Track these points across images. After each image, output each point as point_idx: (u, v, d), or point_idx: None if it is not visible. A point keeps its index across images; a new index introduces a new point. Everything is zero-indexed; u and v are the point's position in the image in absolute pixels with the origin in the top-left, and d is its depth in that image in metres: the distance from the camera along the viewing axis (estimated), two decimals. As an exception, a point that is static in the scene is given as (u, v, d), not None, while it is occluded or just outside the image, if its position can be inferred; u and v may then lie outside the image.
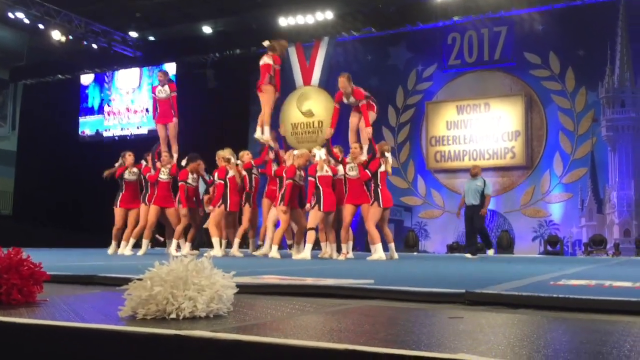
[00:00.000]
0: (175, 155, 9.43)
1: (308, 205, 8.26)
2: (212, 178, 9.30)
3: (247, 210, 8.98)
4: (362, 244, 11.70)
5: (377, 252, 7.72)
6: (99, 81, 18.81)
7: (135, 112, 18.08)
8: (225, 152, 9.05)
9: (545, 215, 13.53)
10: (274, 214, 8.64)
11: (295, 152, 8.76)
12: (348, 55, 15.78)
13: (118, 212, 9.07)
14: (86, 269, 4.51)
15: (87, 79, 18.94)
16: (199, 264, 1.82)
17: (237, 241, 8.89)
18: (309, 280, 3.04)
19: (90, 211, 15.57)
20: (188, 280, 1.77)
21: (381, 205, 7.87)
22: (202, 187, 9.70)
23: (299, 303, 2.26)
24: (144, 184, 9.18)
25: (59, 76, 19.08)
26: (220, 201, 8.79)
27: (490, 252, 10.14)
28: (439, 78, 14.93)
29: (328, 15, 15.19)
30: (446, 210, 14.17)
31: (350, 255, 8.18)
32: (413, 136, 15.10)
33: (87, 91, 18.90)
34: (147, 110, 17.35)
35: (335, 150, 8.28)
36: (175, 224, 9.01)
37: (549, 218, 13.48)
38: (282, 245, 8.98)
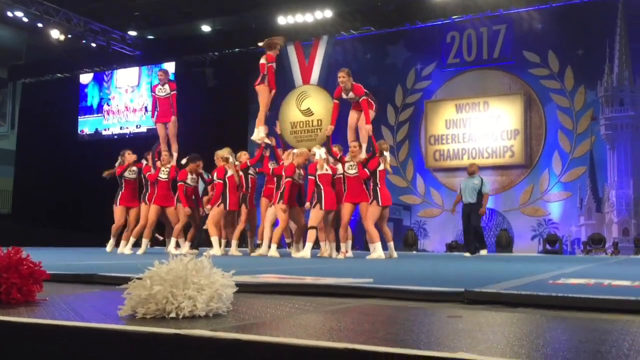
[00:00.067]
0: (175, 154, 9.44)
1: (308, 203, 8.26)
2: (210, 177, 9.30)
3: (243, 211, 9.00)
4: (361, 243, 11.71)
5: (376, 251, 7.71)
6: (98, 80, 18.80)
7: (135, 111, 18.07)
8: (224, 152, 9.05)
9: (544, 214, 13.54)
10: (272, 213, 8.63)
11: (295, 150, 8.76)
12: (347, 54, 15.78)
13: (118, 210, 9.08)
14: (86, 268, 4.51)
15: (86, 77, 18.94)
16: (199, 263, 1.82)
17: (235, 242, 8.90)
18: (309, 279, 3.04)
19: (89, 210, 15.58)
20: (188, 279, 1.77)
21: (380, 204, 7.87)
22: (201, 187, 9.71)
23: (299, 302, 2.26)
24: (143, 182, 9.19)
25: (58, 75, 19.07)
26: (220, 200, 8.80)
27: (483, 252, 10.11)
28: (438, 77, 14.94)
29: (327, 14, 15.20)
30: (445, 209, 14.17)
31: (350, 254, 8.17)
32: (412, 135, 15.10)
33: (86, 90, 18.89)
34: (146, 109, 17.36)
35: (335, 149, 8.27)
36: (175, 223, 9.02)
37: (548, 217, 13.49)
38: (282, 244, 8.99)
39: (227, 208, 8.79)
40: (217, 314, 1.78)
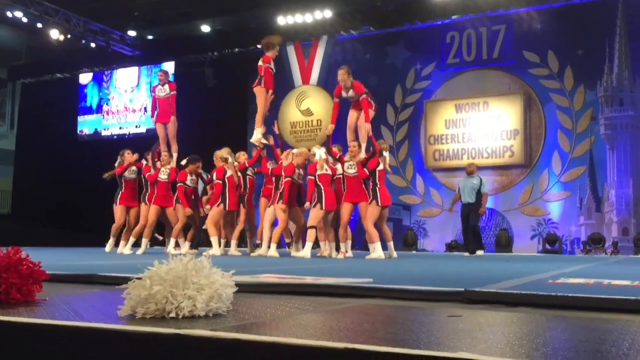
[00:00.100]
0: (175, 155, 9.44)
1: (307, 203, 8.26)
2: (209, 177, 9.30)
3: (242, 211, 9.01)
4: (360, 243, 11.70)
5: (376, 251, 7.71)
6: (98, 80, 18.79)
7: (134, 111, 18.07)
8: (223, 152, 9.05)
9: (544, 214, 13.54)
10: (271, 213, 8.63)
11: (294, 150, 8.76)
12: (347, 54, 15.77)
13: (118, 209, 9.08)
14: (85, 268, 4.51)
15: (85, 77, 18.93)
16: (198, 263, 1.82)
17: (234, 242, 8.91)
18: (308, 279, 3.04)
19: (89, 210, 15.58)
20: (187, 279, 1.77)
21: (379, 204, 7.86)
22: (201, 187, 9.70)
23: (298, 302, 2.26)
24: (143, 183, 9.19)
25: (58, 75, 19.06)
26: (219, 200, 8.80)
27: (480, 252, 10.11)
28: (437, 77, 14.94)
29: (327, 14, 15.20)
30: (445, 208, 14.12)
31: (349, 254, 8.16)
32: (412, 135, 15.10)
33: (85, 90, 18.89)
34: (145, 109, 17.35)
35: (334, 149, 8.27)
36: (175, 224, 9.03)
37: (548, 216, 13.49)
38: (281, 244, 8.99)
39: (227, 208, 8.79)
40: (217, 313, 1.77)
